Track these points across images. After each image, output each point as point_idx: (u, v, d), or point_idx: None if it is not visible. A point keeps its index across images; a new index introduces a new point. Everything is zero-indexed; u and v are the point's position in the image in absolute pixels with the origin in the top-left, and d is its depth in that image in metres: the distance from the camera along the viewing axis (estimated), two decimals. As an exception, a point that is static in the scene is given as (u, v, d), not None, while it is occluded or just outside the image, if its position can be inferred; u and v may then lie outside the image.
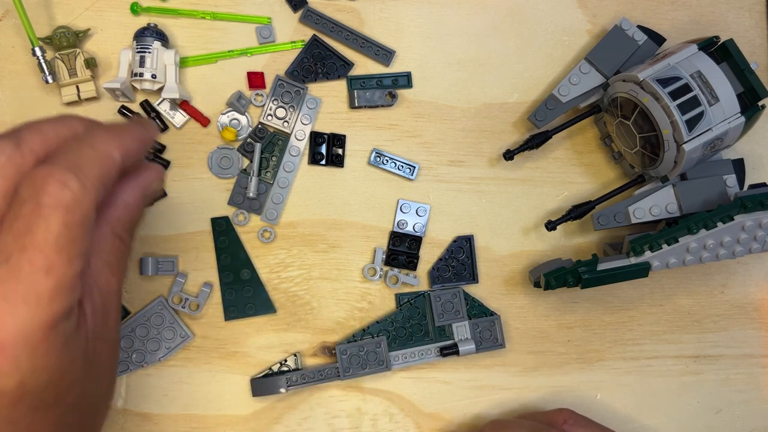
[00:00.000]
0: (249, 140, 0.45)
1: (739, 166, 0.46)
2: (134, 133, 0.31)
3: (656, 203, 0.44)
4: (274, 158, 0.45)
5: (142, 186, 0.33)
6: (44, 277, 0.25)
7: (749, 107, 0.42)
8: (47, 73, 0.42)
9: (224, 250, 0.44)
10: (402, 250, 0.46)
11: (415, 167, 0.46)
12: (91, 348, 0.29)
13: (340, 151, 0.46)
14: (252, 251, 0.45)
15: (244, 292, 0.44)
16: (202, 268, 0.44)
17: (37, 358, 0.26)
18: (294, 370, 0.44)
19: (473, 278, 0.47)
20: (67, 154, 0.27)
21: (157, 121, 0.44)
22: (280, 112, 0.45)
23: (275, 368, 0.44)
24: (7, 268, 0.25)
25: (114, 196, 0.31)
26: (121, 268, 0.32)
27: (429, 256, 0.46)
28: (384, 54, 0.47)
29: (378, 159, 0.46)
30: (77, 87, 0.43)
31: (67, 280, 0.26)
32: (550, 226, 0.45)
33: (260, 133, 0.45)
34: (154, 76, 0.43)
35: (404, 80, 0.47)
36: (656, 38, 0.47)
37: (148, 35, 0.43)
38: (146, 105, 0.44)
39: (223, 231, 0.44)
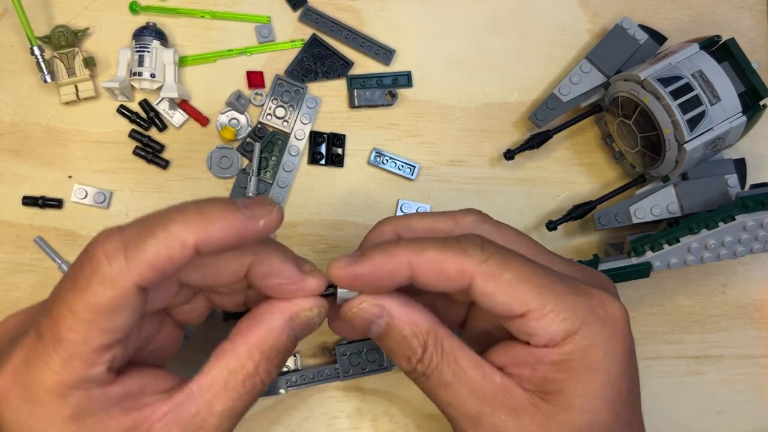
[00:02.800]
0: (248, 140, 0.45)
1: (740, 165, 0.46)
2: (227, 222, 0.26)
3: (657, 203, 0.44)
4: (273, 158, 0.45)
5: (291, 312, 0.30)
6: (58, 343, 0.25)
7: (750, 107, 0.42)
8: (46, 72, 0.42)
9: (223, 250, 0.44)
10: (402, 250, 0.46)
11: (415, 167, 0.46)
12: None
13: (339, 150, 0.46)
14: (251, 251, 0.45)
15: (243, 293, 0.44)
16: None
17: (27, 415, 0.25)
18: (293, 370, 0.44)
19: (474, 278, 0.46)
20: (137, 226, 0.26)
21: (156, 120, 0.44)
22: (280, 112, 0.45)
23: (275, 369, 0.44)
24: (46, 319, 0.26)
25: (260, 315, 0.30)
26: (241, 397, 0.29)
27: (429, 256, 0.46)
28: (384, 53, 0.47)
29: (378, 159, 0.46)
30: (76, 86, 0.43)
31: (79, 353, 0.25)
32: (551, 226, 0.45)
33: (260, 132, 0.45)
34: (153, 76, 0.43)
35: (404, 79, 0.47)
36: (657, 37, 0.47)
37: (147, 34, 0.43)
38: (145, 104, 0.44)
39: (222, 231, 0.44)
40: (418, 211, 0.46)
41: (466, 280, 0.28)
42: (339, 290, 0.30)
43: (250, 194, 0.44)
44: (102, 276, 0.25)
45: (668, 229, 0.42)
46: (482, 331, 0.34)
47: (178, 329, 0.33)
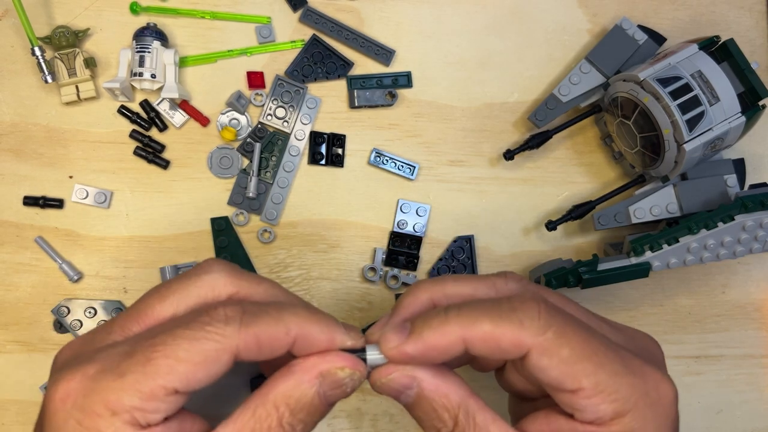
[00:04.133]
0: (249, 140, 0.45)
1: (739, 165, 0.46)
2: (326, 331, 0.28)
3: (657, 203, 0.44)
4: (273, 158, 0.45)
5: (321, 368, 0.29)
6: (145, 363, 0.26)
7: (750, 107, 0.42)
8: (47, 72, 0.42)
9: (223, 249, 0.44)
10: (402, 250, 0.46)
11: (415, 167, 0.46)
12: None
13: (339, 150, 0.46)
14: (252, 251, 0.45)
15: (243, 292, 0.44)
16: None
17: (76, 424, 0.25)
18: (294, 370, 0.44)
19: (473, 278, 0.46)
20: (257, 305, 0.28)
21: (156, 120, 0.44)
22: (280, 112, 0.45)
23: (275, 368, 0.44)
24: (146, 341, 0.26)
25: (293, 367, 0.29)
26: None
27: (429, 256, 0.46)
28: (384, 53, 0.47)
29: (378, 159, 0.46)
30: (76, 87, 0.43)
31: (154, 382, 0.25)
32: (551, 226, 0.45)
33: (260, 132, 0.45)
34: (153, 76, 0.43)
35: (404, 80, 0.47)
36: (657, 38, 0.47)
37: (148, 35, 0.43)
38: (145, 105, 0.44)
39: (222, 231, 0.44)
40: (418, 211, 0.46)
41: (522, 352, 0.27)
42: (368, 354, 0.29)
43: (251, 194, 0.44)
44: (215, 327, 0.26)
45: (667, 229, 0.42)
46: (517, 386, 0.33)
47: None
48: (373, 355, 0.29)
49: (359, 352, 0.29)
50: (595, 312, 0.32)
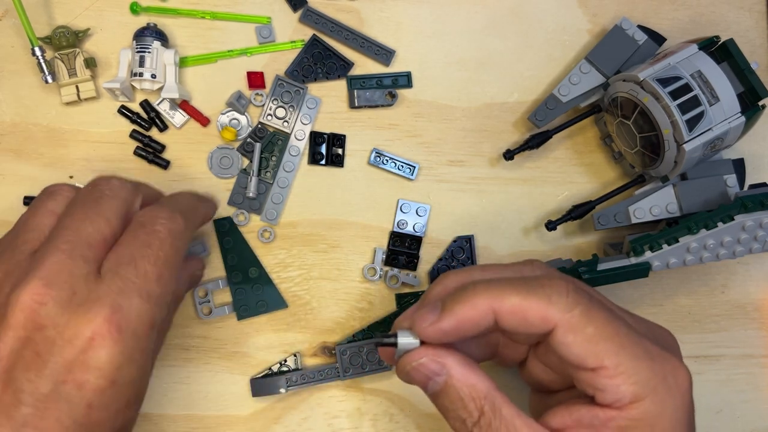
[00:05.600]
0: (249, 140, 0.45)
1: (739, 165, 0.46)
2: (210, 207, 0.41)
3: (656, 203, 0.44)
4: (273, 158, 0.45)
5: (192, 270, 0.41)
6: (155, 284, 0.30)
7: (749, 107, 0.42)
8: (47, 72, 0.42)
9: (230, 250, 0.44)
10: (402, 250, 0.46)
11: (415, 167, 0.46)
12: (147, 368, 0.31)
13: (339, 150, 0.46)
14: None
15: (254, 291, 0.44)
16: (205, 268, 0.44)
17: (135, 350, 0.28)
18: (294, 370, 0.44)
19: (473, 278, 0.46)
20: (172, 201, 0.35)
21: (157, 120, 0.44)
22: (280, 112, 0.45)
23: (275, 368, 0.44)
24: (133, 269, 0.29)
25: None
26: (160, 338, 0.35)
27: (429, 256, 0.46)
28: (384, 54, 0.47)
29: (378, 159, 0.46)
30: (77, 87, 0.43)
31: (168, 292, 0.30)
32: (551, 226, 0.45)
33: (260, 132, 0.45)
34: (153, 76, 0.43)
35: (404, 80, 0.47)
36: (656, 38, 0.47)
37: (148, 35, 0.43)
38: (146, 105, 0.44)
39: (226, 232, 0.44)
40: (418, 211, 0.46)
41: (549, 327, 0.28)
42: (399, 339, 0.30)
43: (251, 194, 0.44)
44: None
45: (667, 229, 0.42)
46: (540, 376, 0.34)
47: None
48: (404, 339, 0.30)
49: (390, 338, 0.30)
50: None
